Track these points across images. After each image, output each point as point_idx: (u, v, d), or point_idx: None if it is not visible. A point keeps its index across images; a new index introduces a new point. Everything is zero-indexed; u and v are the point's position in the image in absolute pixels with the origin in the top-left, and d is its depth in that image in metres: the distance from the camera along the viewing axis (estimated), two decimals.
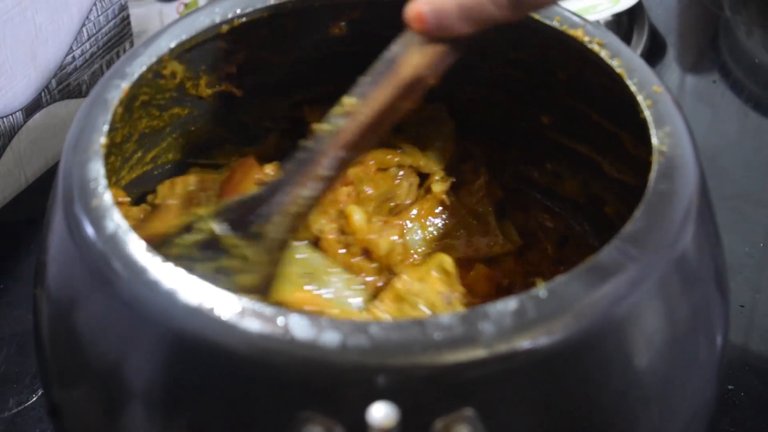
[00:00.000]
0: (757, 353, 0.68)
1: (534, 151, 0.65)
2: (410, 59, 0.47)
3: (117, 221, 0.43)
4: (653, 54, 0.93)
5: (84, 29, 0.76)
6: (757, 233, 0.77)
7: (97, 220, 0.43)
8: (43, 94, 0.75)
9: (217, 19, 0.54)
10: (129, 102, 0.52)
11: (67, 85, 0.77)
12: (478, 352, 0.38)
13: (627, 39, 0.90)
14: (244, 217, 0.49)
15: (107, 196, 0.44)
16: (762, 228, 0.77)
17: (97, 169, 0.45)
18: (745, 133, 0.89)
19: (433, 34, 0.46)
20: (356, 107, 0.48)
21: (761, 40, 0.98)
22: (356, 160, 0.49)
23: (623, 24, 0.91)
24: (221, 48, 0.57)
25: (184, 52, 0.54)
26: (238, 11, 0.55)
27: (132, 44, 0.82)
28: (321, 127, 0.49)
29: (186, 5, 0.87)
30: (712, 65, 0.96)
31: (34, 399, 0.63)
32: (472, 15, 0.45)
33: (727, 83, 0.93)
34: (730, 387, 0.65)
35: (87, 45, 0.77)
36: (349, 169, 0.50)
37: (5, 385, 0.64)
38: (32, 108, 0.74)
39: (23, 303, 0.70)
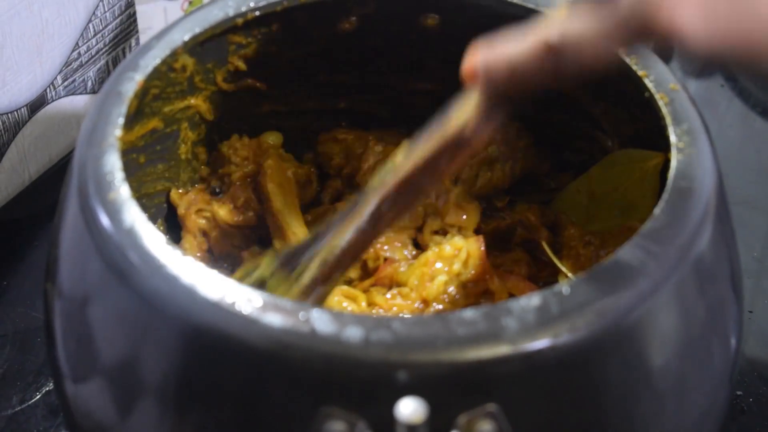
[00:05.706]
0: (765, 360, 0.68)
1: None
2: (458, 115, 0.45)
3: (134, 214, 0.42)
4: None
5: (90, 25, 0.75)
6: (763, 239, 0.76)
7: (114, 213, 0.42)
8: (48, 90, 0.74)
9: (231, 13, 0.54)
10: (142, 95, 0.52)
11: (73, 81, 0.76)
12: (501, 348, 0.38)
13: None
14: (292, 259, 0.50)
15: (124, 189, 0.43)
16: None
17: (113, 162, 0.45)
18: (751, 139, 0.89)
19: (483, 89, 0.44)
20: (401, 163, 0.47)
21: None
22: (396, 217, 0.49)
23: None
24: (233, 42, 0.57)
25: (196, 45, 0.54)
26: (252, 5, 0.55)
27: (138, 41, 0.81)
28: (370, 183, 0.49)
29: (190, 2, 0.87)
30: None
31: (38, 397, 0.63)
32: (517, 74, 0.43)
33: (734, 89, 0.92)
34: (738, 393, 0.65)
35: (93, 41, 0.76)
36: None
37: (8, 382, 0.64)
38: (37, 104, 0.74)
39: (26, 300, 0.69)
